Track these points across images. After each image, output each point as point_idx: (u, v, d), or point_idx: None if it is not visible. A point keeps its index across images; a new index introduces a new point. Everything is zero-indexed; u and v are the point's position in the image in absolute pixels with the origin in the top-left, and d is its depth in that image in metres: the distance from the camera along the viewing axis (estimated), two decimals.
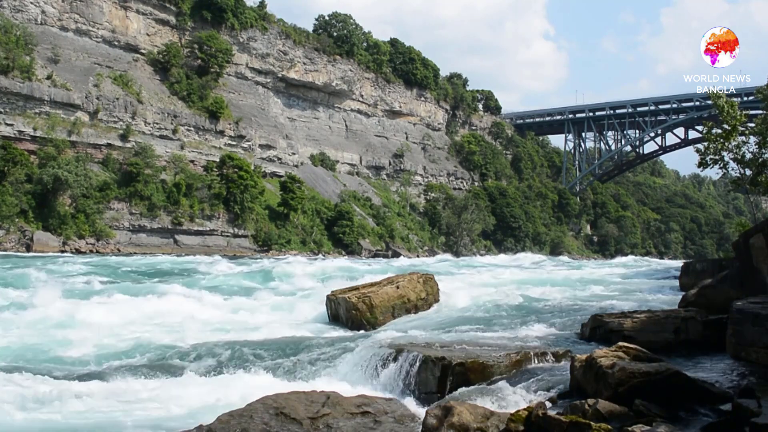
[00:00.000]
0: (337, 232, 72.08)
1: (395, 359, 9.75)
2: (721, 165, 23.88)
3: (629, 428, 5.75)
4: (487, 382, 8.69)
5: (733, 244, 14.12)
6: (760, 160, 22.99)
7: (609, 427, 5.83)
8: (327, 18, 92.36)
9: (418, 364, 9.30)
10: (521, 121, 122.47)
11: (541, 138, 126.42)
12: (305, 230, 70.63)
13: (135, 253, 51.91)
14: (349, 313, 14.97)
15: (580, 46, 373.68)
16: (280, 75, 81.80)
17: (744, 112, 24.11)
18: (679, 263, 37.65)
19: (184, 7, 71.75)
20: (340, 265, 36.50)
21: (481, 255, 77.34)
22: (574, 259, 76.13)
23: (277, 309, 17.76)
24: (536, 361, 9.39)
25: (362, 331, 13.76)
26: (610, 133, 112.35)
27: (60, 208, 51.21)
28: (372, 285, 16.45)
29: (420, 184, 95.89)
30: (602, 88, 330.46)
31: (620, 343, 8.07)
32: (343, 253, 70.03)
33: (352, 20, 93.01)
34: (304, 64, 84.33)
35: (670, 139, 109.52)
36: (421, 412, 7.36)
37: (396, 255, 70.31)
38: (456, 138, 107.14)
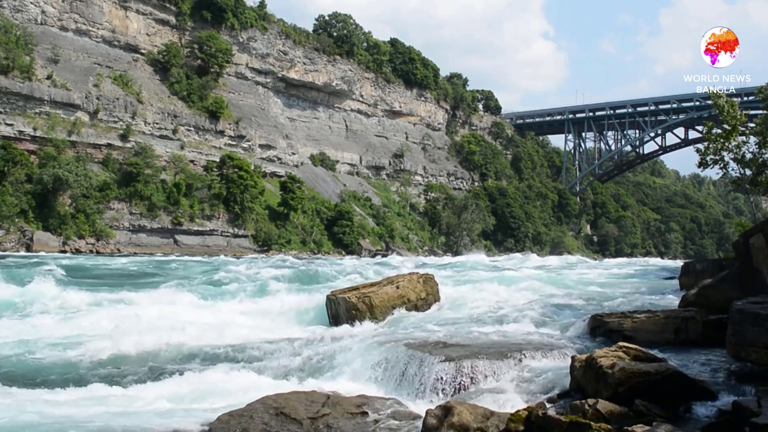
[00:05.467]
0: (337, 232, 72.11)
1: (395, 359, 9.75)
2: (721, 165, 23.83)
3: (629, 428, 5.75)
4: (487, 382, 8.69)
5: (733, 244, 14.12)
6: (760, 160, 22.97)
7: (609, 427, 5.83)
8: (327, 18, 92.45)
9: (417, 363, 9.30)
10: (521, 121, 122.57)
11: (541, 138, 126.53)
12: (305, 230, 70.65)
13: (135, 253, 51.93)
14: (349, 313, 14.97)
15: (580, 47, 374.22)
16: (280, 75, 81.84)
17: (744, 112, 24.07)
18: (679, 263, 37.60)
19: (184, 7, 71.81)
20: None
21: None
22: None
23: (276, 309, 17.73)
24: (536, 361, 9.39)
25: (362, 331, 13.75)
26: (610, 133, 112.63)
27: (60, 208, 51.22)
28: (372, 285, 16.47)
29: (420, 184, 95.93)
30: (602, 88, 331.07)
31: (620, 343, 8.07)
32: (343, 253, 70.05)
33: (352, 20, 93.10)
34: (304, 64, 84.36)
35: (670, 139, 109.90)
36: (421, 411, 7.36)
37: (397, 255, 70.10)
38: (456, 138, 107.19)
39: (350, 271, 28.05)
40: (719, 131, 23.53)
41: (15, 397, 8.99)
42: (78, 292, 18.57)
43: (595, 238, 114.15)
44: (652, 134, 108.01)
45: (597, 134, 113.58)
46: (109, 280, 24.73)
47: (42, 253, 43.04)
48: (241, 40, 77.03)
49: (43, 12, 60.30)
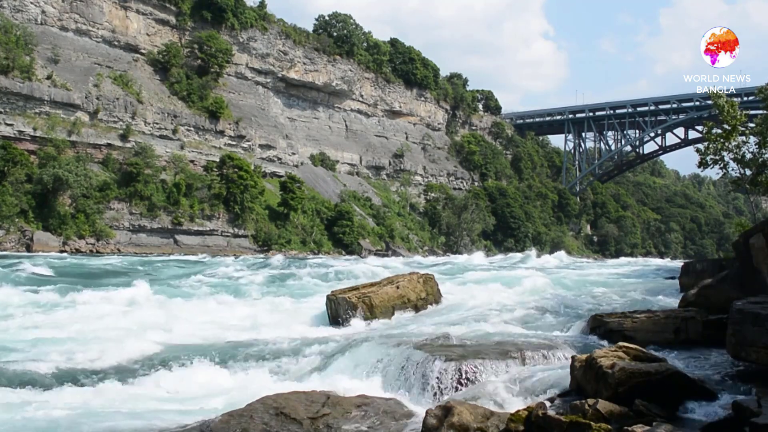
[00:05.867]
0: (337, 232, 72.11)
1: (395, 359, 9.74)
2: (721, 165, 23.83)
3: (629, 428, 5.74)
4: (487, 382, 8.68)
5: (733, 244, 14.12)
6: (760, 160, 22.97)
7: (609, 427, 5.83)
8: (327, 18, 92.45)
9: (417, 363, 9.29)
10: (521, 121, 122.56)
11: (541, 138, 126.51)
12: (305, 230, 70.65)
13: (135, 253, 51.91)
14: (349, 312, 14.98)
15: (580, 47, 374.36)
16: (280, 75, 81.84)
17: (744, 112, 24.06)
18: (679, 263, 37.58)
19: (184, 7, 71.81)
20: None
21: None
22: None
23: (277, 309, 17.75)
24: (536, 361, 9.38)
25: (362, 331, 13.75)
26: (610, 133, 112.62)
27: (60, 208, 51.23)
28: (372, 285, 16.48)
29: (420, 184, 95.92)
30: (602, 88, 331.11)
31: (620, 343, 8.07)
32: (343, 253, 70.03)
33: (352, 20, 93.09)
34: (304, 64, 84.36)
35: (670, 139, 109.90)
36: (421, 411, 7.35)
37: (396, 255, 70.19)
38: (456, 138, 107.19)
39: (331, 278, 26.80)
40: (719, 131, 23.53)
41: None
42: (33, 294, 18.42)
43: (595, 238, 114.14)
44: (652, 134, 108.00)
45: (597, 134, 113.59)
46: (72, 279, 24.17)
47: (41, 253, 43.04)
48: (241, 40, 77.02)
49: (43, 12, 60.29)
